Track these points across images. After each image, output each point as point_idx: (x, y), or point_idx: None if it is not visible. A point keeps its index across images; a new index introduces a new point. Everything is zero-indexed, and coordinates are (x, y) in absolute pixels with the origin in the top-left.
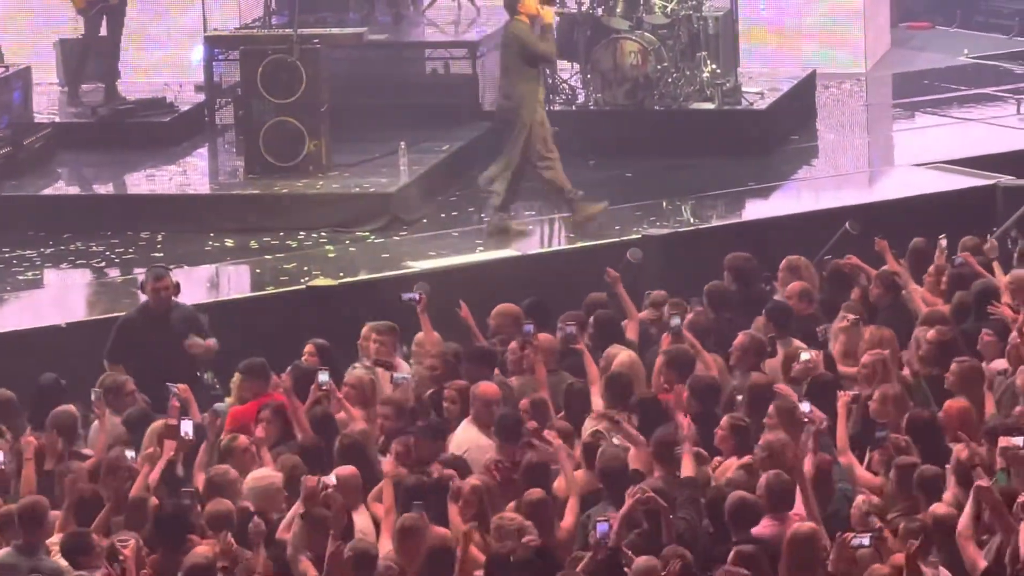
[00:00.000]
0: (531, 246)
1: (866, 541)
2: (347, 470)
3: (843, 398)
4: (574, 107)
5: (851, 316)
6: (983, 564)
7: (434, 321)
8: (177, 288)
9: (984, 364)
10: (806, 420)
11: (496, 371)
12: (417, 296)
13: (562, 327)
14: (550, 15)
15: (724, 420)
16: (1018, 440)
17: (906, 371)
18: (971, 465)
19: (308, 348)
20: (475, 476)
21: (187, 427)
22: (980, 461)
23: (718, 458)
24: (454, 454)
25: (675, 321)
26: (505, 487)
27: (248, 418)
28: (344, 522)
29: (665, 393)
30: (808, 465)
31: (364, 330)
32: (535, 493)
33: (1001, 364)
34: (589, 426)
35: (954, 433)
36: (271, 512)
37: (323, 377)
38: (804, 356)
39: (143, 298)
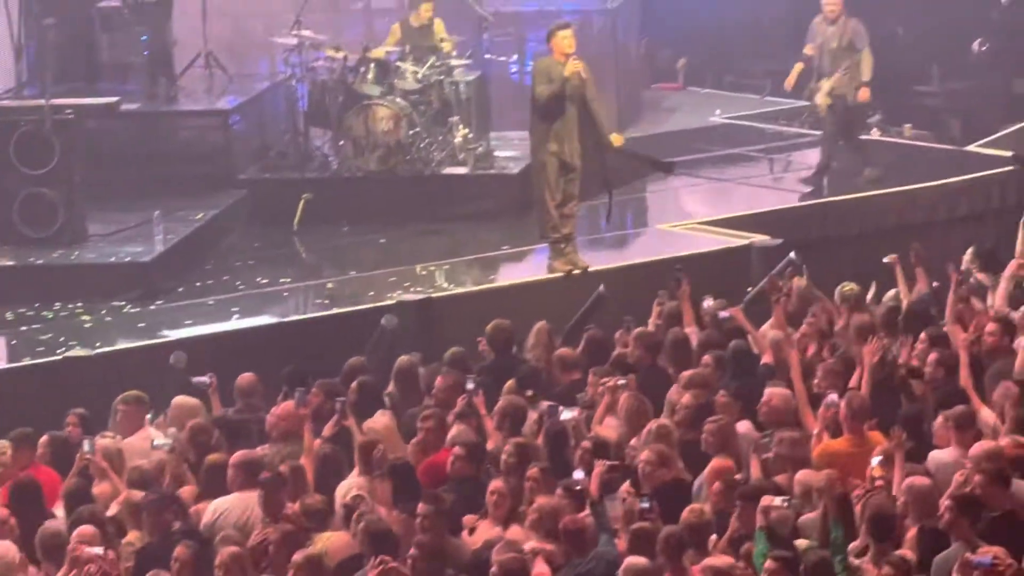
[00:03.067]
0: (288, 313)
1: None
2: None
3: (599, 467)
4: (327, 174)
5: (611, 380)
6: None
7: (190, 390)
8: None
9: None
10: (578, 488)
11: None
12: (208, 380)
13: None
14: (570, 68)
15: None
16: (778, 500)
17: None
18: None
19: (70, 419)
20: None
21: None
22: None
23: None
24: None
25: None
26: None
27: None
28: None
29: None
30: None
31: (116, 401)
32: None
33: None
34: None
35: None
36: None
37: (86, 446)
38: (566, 415)
39: None
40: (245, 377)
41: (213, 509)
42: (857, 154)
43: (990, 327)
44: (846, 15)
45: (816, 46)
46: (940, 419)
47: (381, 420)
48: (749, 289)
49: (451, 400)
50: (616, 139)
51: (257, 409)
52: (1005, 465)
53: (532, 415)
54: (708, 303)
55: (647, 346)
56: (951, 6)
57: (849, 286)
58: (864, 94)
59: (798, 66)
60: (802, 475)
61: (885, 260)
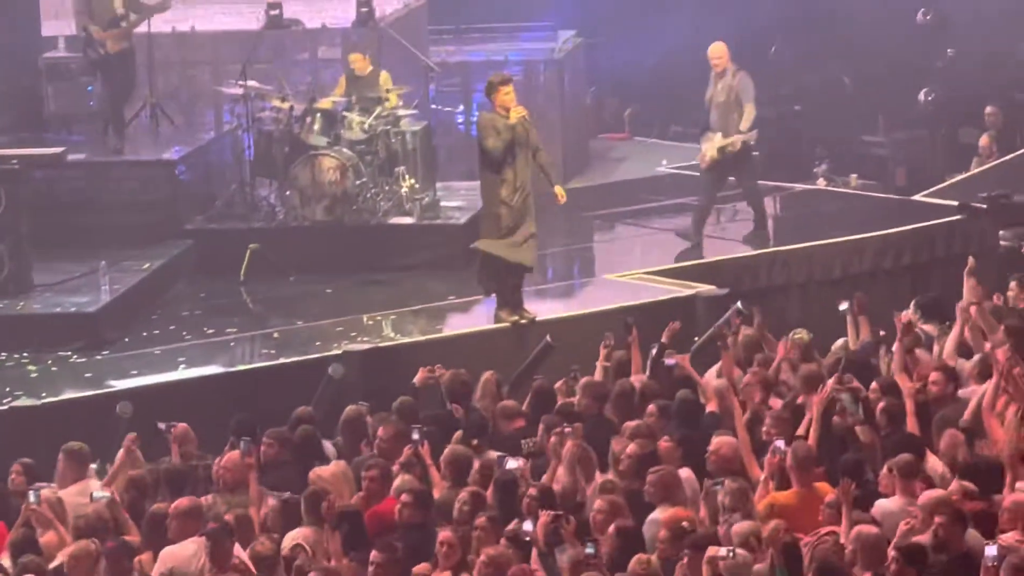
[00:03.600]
0: (234, 362)
1: None
2: None
3: (544, 517)
4: (274, 224)
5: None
6: None
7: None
8: None
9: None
10: (527, 539)
11: None
12: (167, 427)
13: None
14: (515, 115)
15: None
16: (723, 551)
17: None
18: None
19: (15, 468)
20: None
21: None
22: None
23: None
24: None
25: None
26: None
27: None
28: None
29: None
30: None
31: (61, 452)
32: None
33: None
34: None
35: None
36: None
37: (32, 497)
38: (511, 464)
39: None
40: (180, 427)
41: (163, 559)
42: (752, 198)
43: (934, 376)
44: (734, 68)
45: (707, 99)
46: (885, 468)
47: (330, 469)
48: (696, 338)
49: (396, 450)
50: (560, 192)
51: (192, 458)
52: (961, 508)
53: (475, 464)
54: (656, 351)
55: (594, 396)
56: (897, 56)
57: (799, 333)
58: (737, 142)
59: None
60: (744, 526)
61: (841, 308)
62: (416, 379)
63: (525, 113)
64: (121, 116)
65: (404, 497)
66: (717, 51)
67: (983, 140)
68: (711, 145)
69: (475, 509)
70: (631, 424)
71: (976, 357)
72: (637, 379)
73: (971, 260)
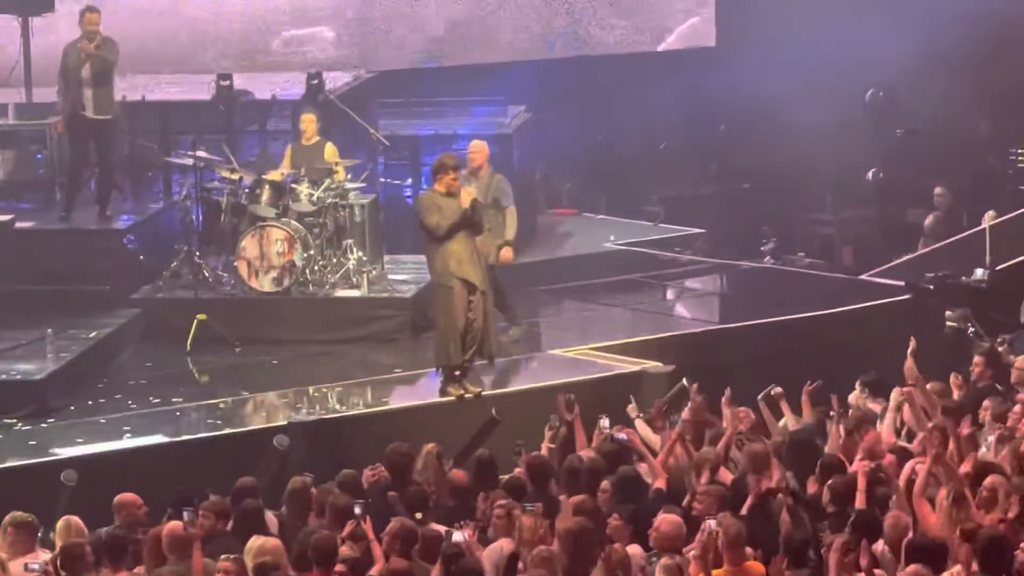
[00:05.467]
0: (180, 432)
1: None
2: None
3: None
4: (221, 295)
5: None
6: None
7: (80, 509)
8: None
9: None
10: None
11: None
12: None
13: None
14: (466, 197)
15: None
16: None
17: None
18: None
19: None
20: None
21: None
22: None
23: None
24: None
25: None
26: None
27: None
28: None
29: None
30: None
31: (4, 521)
32: None
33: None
34: None
35: None
36: None
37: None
38: (456, 537)
39: None
40: (123, 496)
41: None
42: (505, 313)
43: (888, 458)
44: (492, 170)
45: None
46: (830, 545)
47: (271, 542)
48: (640, 414)
49: (340, 523)
50: (506, 252)
51: (133, 527)
52: None
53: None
54: (604, 422)
55: (538, 472)
56: (845, 135)
57: (743, 411)
58: (507, 253)
59: None
60: None
61: (772, 393)
62: (364, 478)
63: (475, 194)
64: (80, 181)
65: (338, 567)
66: (476, 147)
67: (928, 220)
68: None
69: None
70: (574, 500)
71: (919, 436)
72: (585, 454)
73: (913, 341)
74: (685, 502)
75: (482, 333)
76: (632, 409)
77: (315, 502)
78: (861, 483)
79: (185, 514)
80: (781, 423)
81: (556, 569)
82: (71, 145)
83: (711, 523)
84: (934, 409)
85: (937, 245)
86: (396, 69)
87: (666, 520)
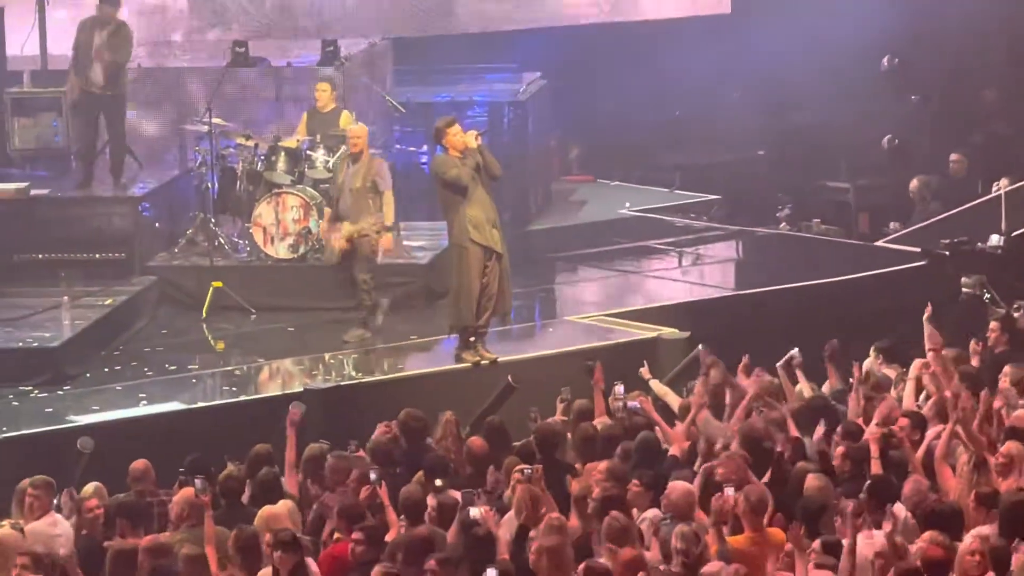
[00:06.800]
0: (196, 399)
1: None
2: None
3: None
4: (236, 262)
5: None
6: None
7: (99, 474)
8: None
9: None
10: None
11: None
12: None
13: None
14: (469, 139)
15: None
16: None
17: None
18: None
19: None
20: None
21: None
22: None
23: None
24: None
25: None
26: None
27: None
28: None
29: None
30: None
31: (21, 484)
32: None
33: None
34: None
35: None
36: None
37: None
38: (473, 512)
39: None
40: (138, 463)
41: None
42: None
43: (902, 422)
44: (371, 154)
45: (337, 184)
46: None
47: (282, 507)
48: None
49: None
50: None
51: (147, 494)
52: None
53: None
54: (619, 389)
55: (546, 440)
56: (860, 101)
57: (768, 379)
58: (387, 241)
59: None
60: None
61: (792, 362)
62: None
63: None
64: (94, 153)
65: (355, 535)
66: (358, 132)
67: (913, 184)
68: (339, 235)
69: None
70: (595, 465)
71: (932, 400)
72: (600, 421)
73: (929, 307)
74: (696, 465)
75: (497, 294)
76: (645, 372)
77: (330, 468)
78: (874, 450)
79: (197, 482)
80: (797, 388)
81: (567, 537)
82: (83, 118)
83: (728, 490)
84: (949, 376)
85: (952, 212)
86: (411, 36)
87: (676, 488)
